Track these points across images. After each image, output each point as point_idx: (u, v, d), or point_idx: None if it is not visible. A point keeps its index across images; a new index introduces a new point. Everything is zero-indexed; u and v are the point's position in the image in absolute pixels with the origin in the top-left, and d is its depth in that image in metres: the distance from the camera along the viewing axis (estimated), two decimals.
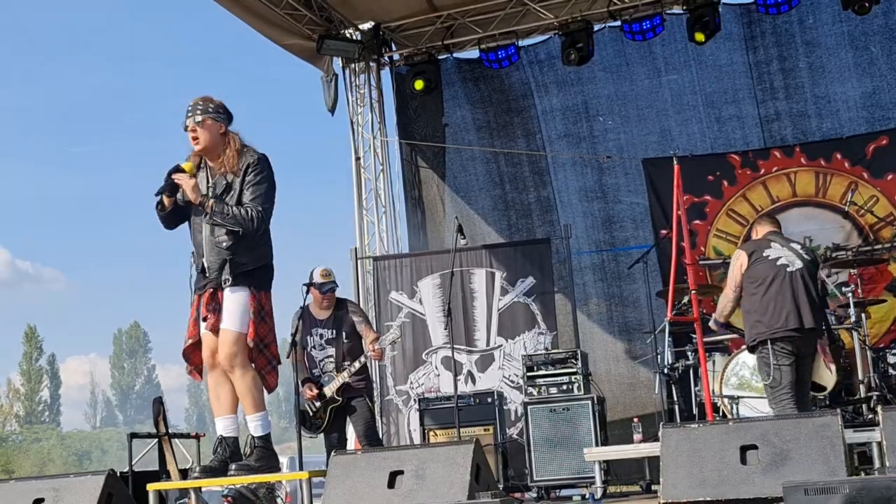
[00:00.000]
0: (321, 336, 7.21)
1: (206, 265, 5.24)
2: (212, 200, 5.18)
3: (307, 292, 7.15)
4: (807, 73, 10.00)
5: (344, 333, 7.18)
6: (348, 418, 7.25)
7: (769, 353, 6.22)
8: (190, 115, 5.27)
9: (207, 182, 5.33)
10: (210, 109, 5.28)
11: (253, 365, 5.34)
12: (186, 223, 5.45)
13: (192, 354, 5.43)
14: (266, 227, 5.31)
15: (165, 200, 5.30)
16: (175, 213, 5.38)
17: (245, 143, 5.37)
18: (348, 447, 7.45)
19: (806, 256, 6.45)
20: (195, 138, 5.28)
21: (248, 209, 5.18)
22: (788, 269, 6.34)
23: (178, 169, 5.27)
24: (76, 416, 74.31)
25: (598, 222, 10.63)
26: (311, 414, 7.19)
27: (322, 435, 7.31)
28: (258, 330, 5.27)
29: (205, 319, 5.23)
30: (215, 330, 5.21)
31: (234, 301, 5.22)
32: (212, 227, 5.24)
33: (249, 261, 5.25)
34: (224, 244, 5.20)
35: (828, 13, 9.84)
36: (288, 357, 6.86)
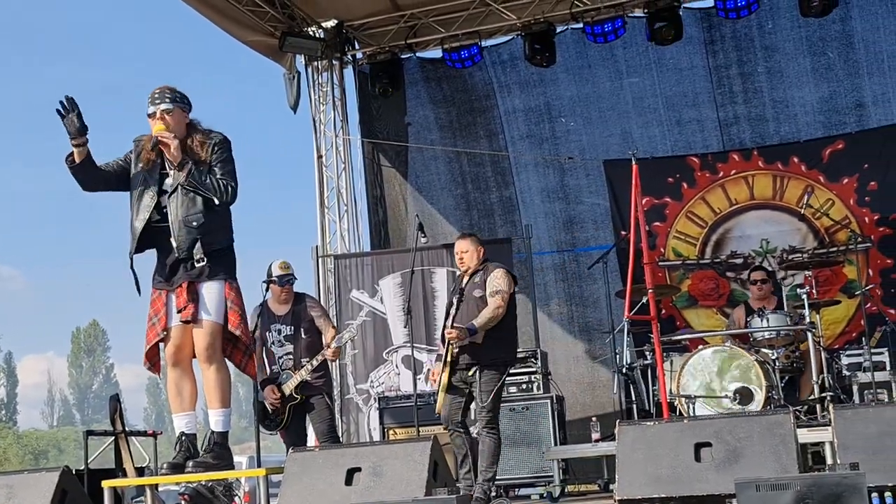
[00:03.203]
0: (279, 332, 7.16)
1: (174, 245, 5.18)
2: (190, 164, 5.16)
3: (267, 288, 7.12)
4: (765, 77, 10.12)
5: (302, 329, 7.14)
6: (307, 416, 7.22)
7: (503, 377, 6.42)
8: (157, 102, 5.25)
9: (161, 168, 5.29)
10: (177, 98, 5.30)
11: (232, 356, 5.37)
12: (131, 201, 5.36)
13: (156, 357, 5.38)
14: (233, 203, 5.32)
15: (76, 152, 5.12)
16: (88, 170, 5.22)
17: (205, 127, 5.39)
18: (308, 444, 7.41)
19: None
20: (164, 126, 5.23)
21: (222, 181, 5.21)
22: None
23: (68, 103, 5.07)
24: (33, 415, 73.40)
25: (559, 223, 10.69)
26: (270, 411, 7.16)
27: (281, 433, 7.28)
28: (241, 319, 5.31)
29: (181, 310, 5.18)
30: (195, 320, 5.17)
31: (213, 291, 5.22)
32: (183, 205, 5.17)
33: (216, 240, 5.26)
34: (195, 223, 5.17)
35: (786, 18, 9.95)
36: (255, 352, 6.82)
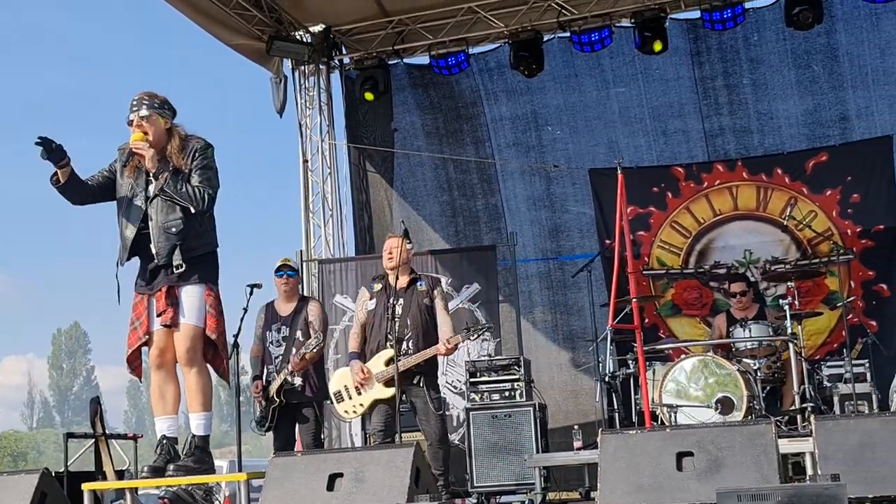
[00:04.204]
0: (279, 331, 7.10)
1: (154, 252, 5.21)
2: (167, 173, 5.17)
3: (251, 292, 7.02)
4: (750, 89, 10.16)
5: (299, 333, 7.06)
6: (298, 425, 7.14)
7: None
8: (135, 109, 5.28)
9: (147, 175, 5.31)
10: (156, 105, 5.30)
11: (212, 361, 5.37)
12: (116, 215, 5.40)
13: (137, 360, 5.38)
14: (212, 210, 5.33)
15: (59, 173, 5.21)
16: (73, 187, 5.30)
17: (188, 133, 5.40)
18: (297, 448, 7.33)
19: None
20: (142, 133, 5.27)
21: (198, 189, 5.21)
22: None
23: (44, 140, 5.13)
24: (12, 417, 72.89)
25: (545, 231, 10.71)
26: (259, 412, 7.12)
27: (271, 433, 7.20)
28: (218, 324, 5.30)
29: (161, 314, 5.19)
30: (174, 324, 5.17)
31: (192, 295, 5.23)
32: (162, 212, 5.20)
33: (198, 246, 5.27)
34: (174, 229, 5.19)
35: (772, 31, 10.00)
36: (229, 357, 6.77)
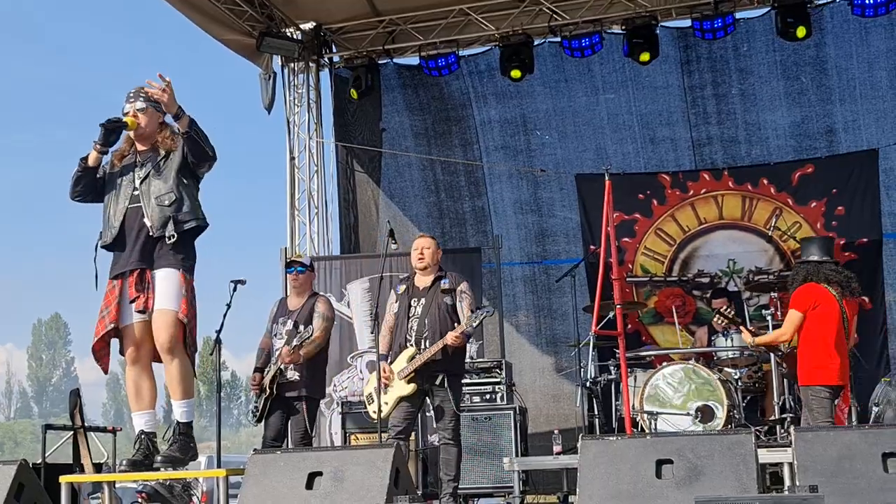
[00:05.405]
0: (284, 325, 7.08)
1: (147, 224, 5.19)
2: (188, 115, 5.17)
3: (234, 288, 6.97)
4: (739, 99, 10.22)
5: (301, 328, 7.04)
6: (291, 419, 7.10)
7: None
8: (132, 100, 5.32)
9: (136, 161, 5.32)
10: (152, 98, 5.29)
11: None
12: (102, 202, 5.40)
13: (104, 350, 5.32)
14: (214, 163, 5.37)
15: (92, 155, 5.26)
16: (91, 176, 5.34)
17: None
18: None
19: None
20: (136, 123, 5.31)
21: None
22: None
23: (118, 120, 5.25)
24: None
25: (531, 235, 10.73)
26: (254, 402, 7.09)
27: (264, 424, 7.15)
28: (190, 309, 5.25)
29: (133, 300, 5.14)
30: (148, 310, 5.13)
31: (168, 280, 5.19)
32: (155, 187, 5.21)
33: (187, 219, 5.26)
34: (167, 201, 5.20)
35: (761, 42, 10.05)
36: (212, 353, 6.75)
